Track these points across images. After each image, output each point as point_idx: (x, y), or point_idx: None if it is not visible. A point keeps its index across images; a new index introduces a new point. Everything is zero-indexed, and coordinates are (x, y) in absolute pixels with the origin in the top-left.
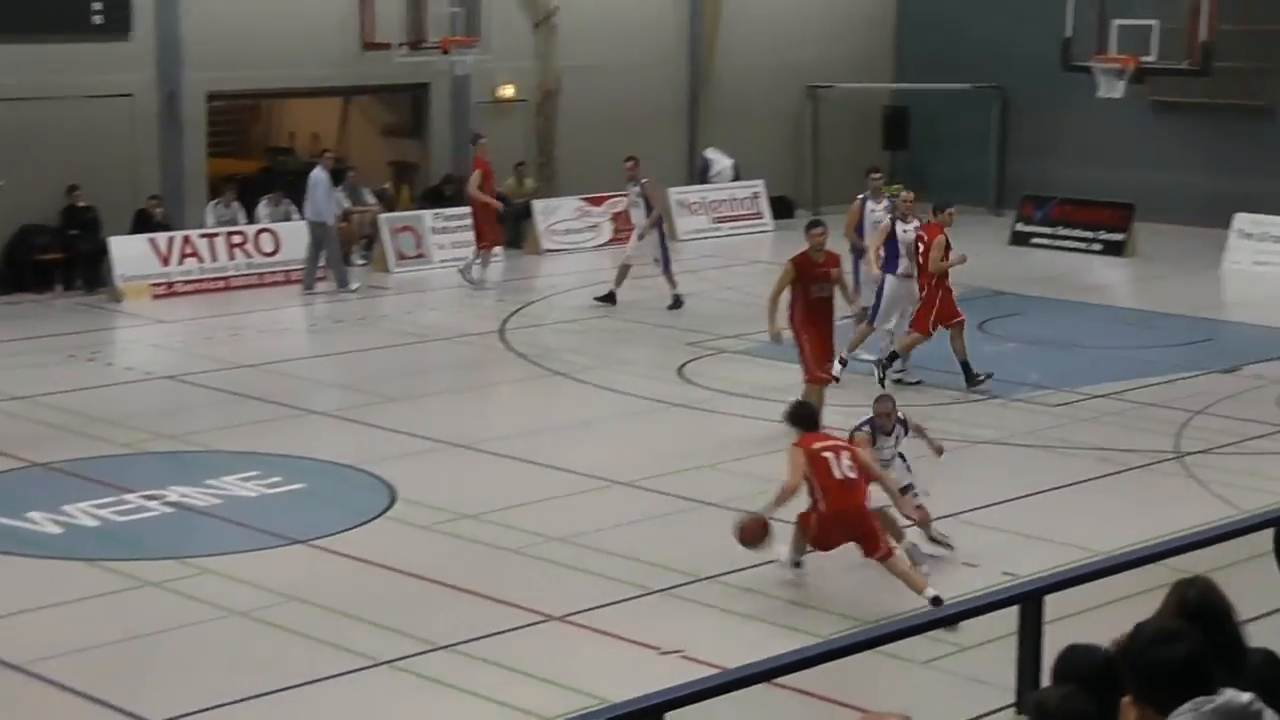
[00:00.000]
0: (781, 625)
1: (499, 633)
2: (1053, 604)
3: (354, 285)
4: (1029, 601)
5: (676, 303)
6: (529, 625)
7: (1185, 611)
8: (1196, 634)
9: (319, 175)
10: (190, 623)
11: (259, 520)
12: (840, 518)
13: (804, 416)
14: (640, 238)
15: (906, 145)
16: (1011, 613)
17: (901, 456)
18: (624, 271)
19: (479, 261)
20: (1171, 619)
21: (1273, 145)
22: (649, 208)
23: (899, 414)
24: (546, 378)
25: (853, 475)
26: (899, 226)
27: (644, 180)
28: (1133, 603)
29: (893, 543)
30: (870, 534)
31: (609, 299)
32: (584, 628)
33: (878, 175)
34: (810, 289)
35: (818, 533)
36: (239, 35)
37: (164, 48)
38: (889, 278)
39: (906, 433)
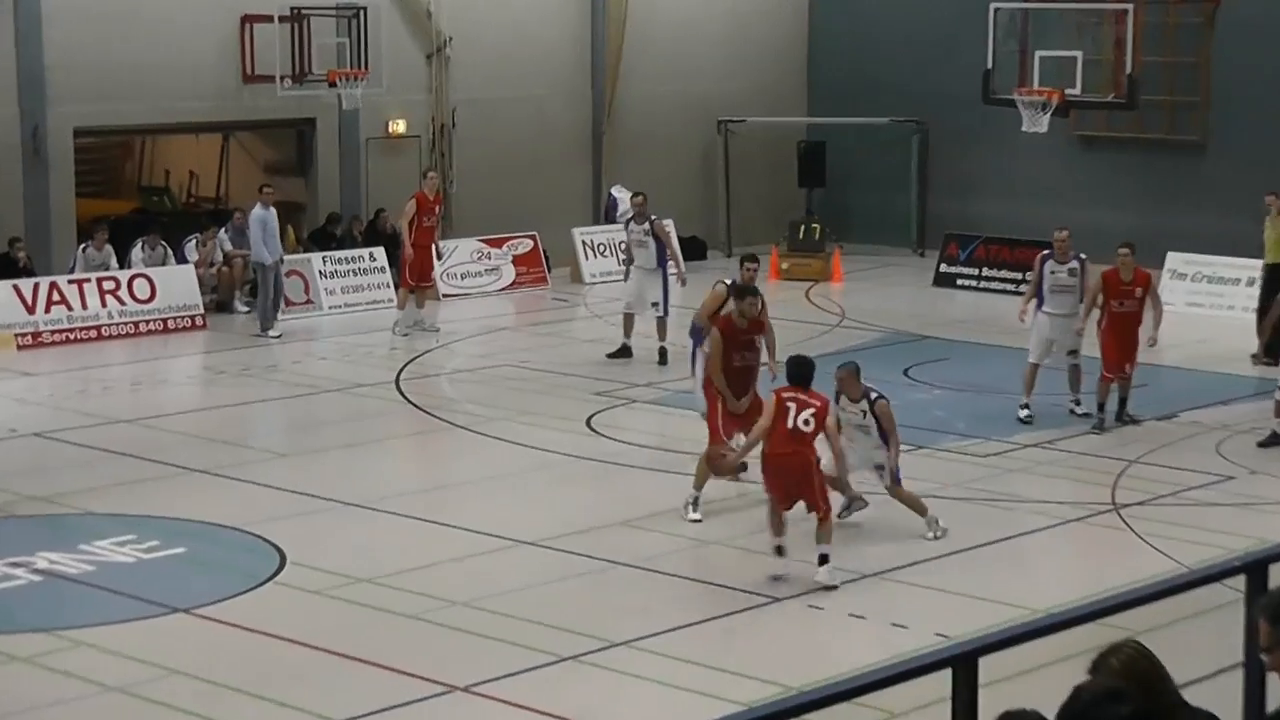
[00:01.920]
0: (698, 692)
1: (399, 705)
2: (987, 666)
3: (275, 332)
4: (963, 664)
5: (663, 357)
6: (431, 696)
7: (1118, 676)
8: (1138, 694)
9: (257, 213)
10: (63, 700)
11: (136, 588)
12: (776, 463)
13: (796, 369)
14: (682, 282)
15: (823, 182)
16: (944, 676)
17: (883, 437)
18: (630, 320)
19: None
20: (1110, 679)
21: (1203, 182)
22: (659, 246)
23: (868, 386)
24: (446, 431)
25: (805, 429)
26: (1049, 266)
27: (653, 217)
28: (1072, 663)
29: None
30: (809, 490)
31: (624, 352)
32: (490, 698)
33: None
34: (733, 357)
35: (763, 473)
36: (108, 66)
37: (26, 79)
38: (1039, 314)
39: (872, 409)
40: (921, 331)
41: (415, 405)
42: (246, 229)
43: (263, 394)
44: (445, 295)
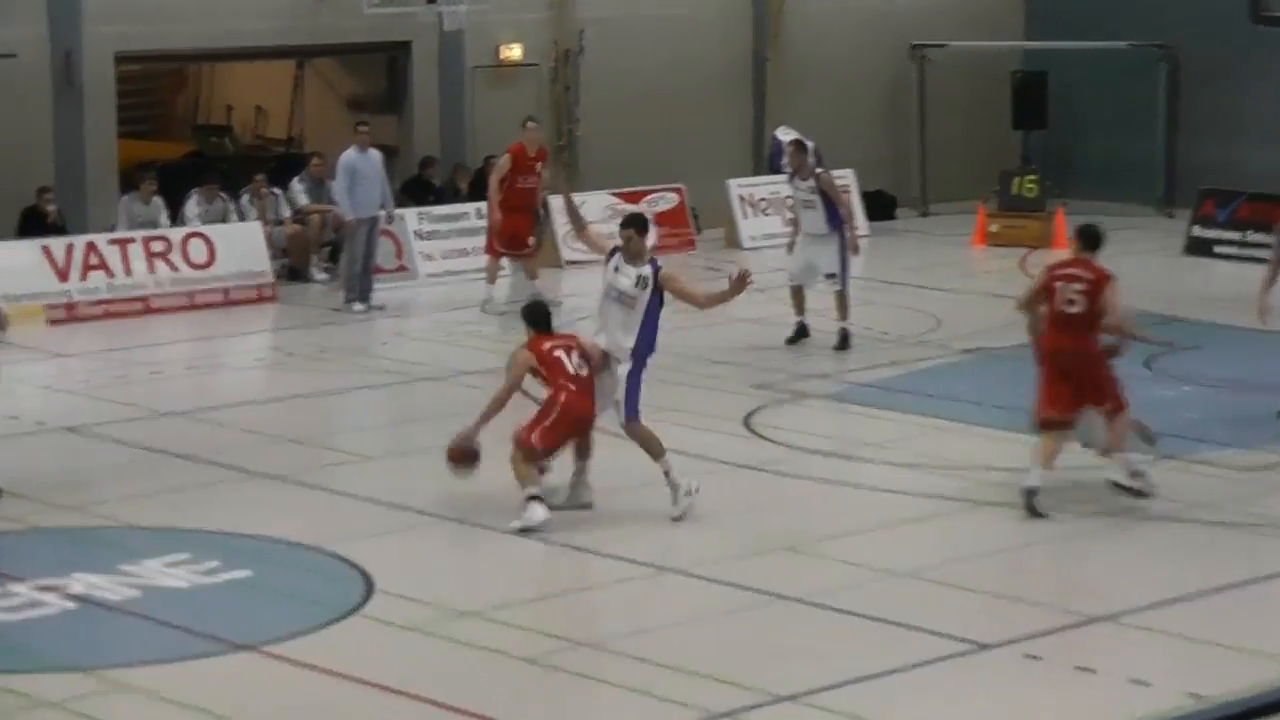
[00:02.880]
0: None
1: None
2: None
3: (360, 306)
4: None
5: (844, 340)
6: None
7: None
8: None
9: (348, 158)
10: None
11: (191, 619)
12: (574, 415)
13: (536, 314)
14: (855, 250)
15: (1044, 123)
16: None
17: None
18: (798, 294)
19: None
20: None
21: None
22: (829, 207)
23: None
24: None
25: (584, 372)
26: None
27: (819, 170)
28: None
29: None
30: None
31: (801, 334)
32: None
33: None
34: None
35: (550, 431)
36: None
37: None
38: None
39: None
40: (1168, 312)
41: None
42: (327, 178)
43: (344, 382)
44: (569, 262)
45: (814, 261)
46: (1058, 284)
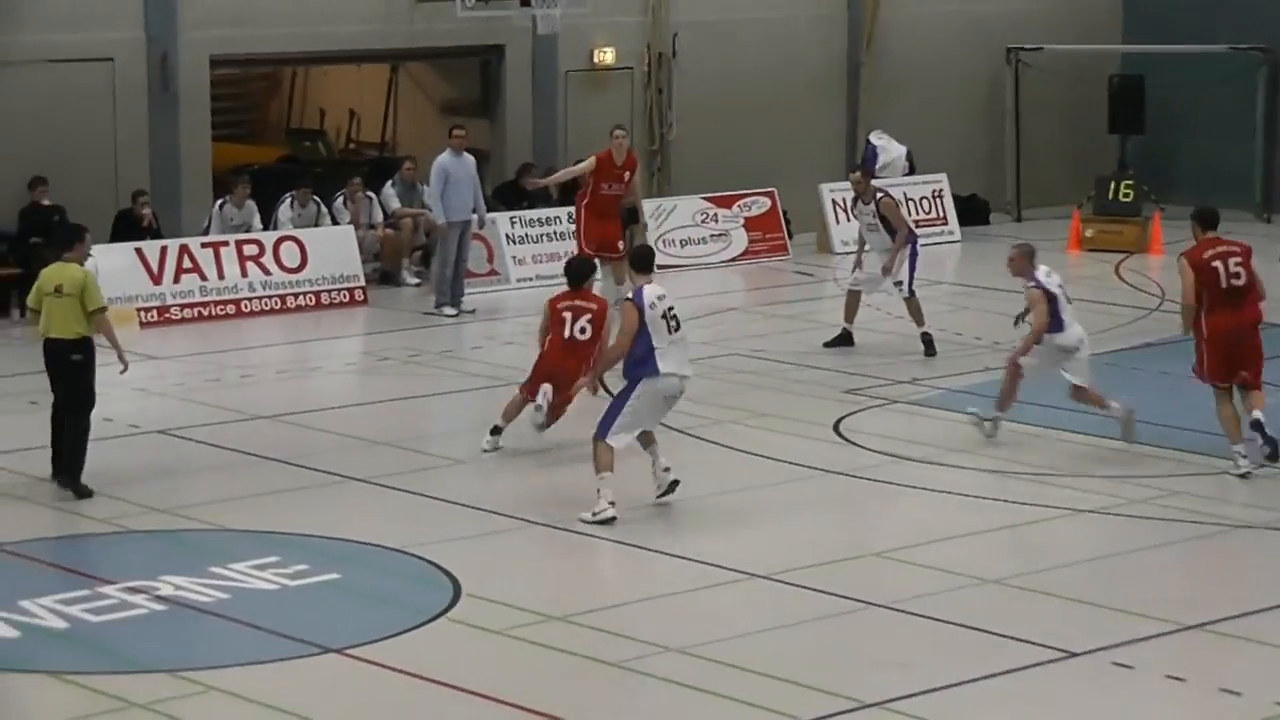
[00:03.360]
0: None
1: None
2: None
3: (452, 310)
4: None
5: (929, 346)
6: None
7: None
8: None
9: (442, 161)
10: None
11: (279, 622)
12: (545, 368)
13: (571, 269)
14: (885, 270)
15: (1142, 127)
16: None
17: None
18: (854, 301)
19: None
20: None
21: None
22: (890, 230)
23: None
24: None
25: (582, 338)
26: None
27: (880, 196)
28: None
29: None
30: (563, 402)
31: (844, 340)
32: None
33: None
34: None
35: (530, 381)
36: None
37: None
38: None
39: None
40: (1270, 319)
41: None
42: (420, 181)
43: (436, 386)
44: (661, 267)
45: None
46: (1215, 264)
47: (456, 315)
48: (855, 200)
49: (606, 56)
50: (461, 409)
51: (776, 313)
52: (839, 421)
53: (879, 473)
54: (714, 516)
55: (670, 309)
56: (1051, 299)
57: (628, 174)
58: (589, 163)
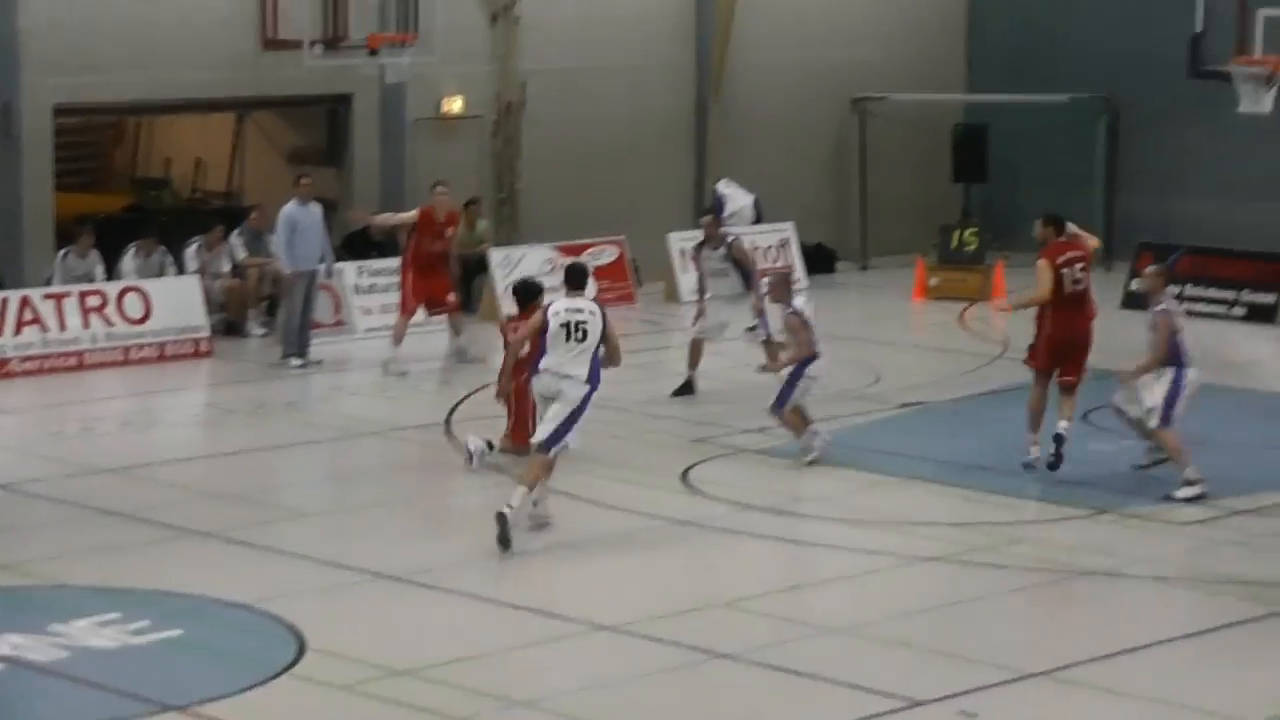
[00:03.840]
0: None
1: None
2: None
3: (299, 361)
4: None
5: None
6: None
7: None
8: None
9: (289, 211)
10: None
11: (120, 679)
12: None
13: (518, 290)
14: (759, 312)
15: (984, 176)
16: None
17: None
18: (697, 349)
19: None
20: None
21: None
22: (744, 273)
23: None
24: (508, 486)
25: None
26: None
27: (730, 239)
28: None
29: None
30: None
31: (687, 388)
32: None
33: None
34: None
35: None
36: (97, 29)
37: None
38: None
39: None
40: (1108, 366)
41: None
42: (267, 231)
43: (281, 438)
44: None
45: (729, 319)
46: (1064, 270)
47: (303, 366)
48: (700, 245)
49: (455, 105)
50: (307, 461)
51: (624, 361)
52: (687, 471)
53: (726, 522)
54: (561, 568)
55: (578, 322)
56: (809, 327)
57: (449, 230)
58: (412, 215)
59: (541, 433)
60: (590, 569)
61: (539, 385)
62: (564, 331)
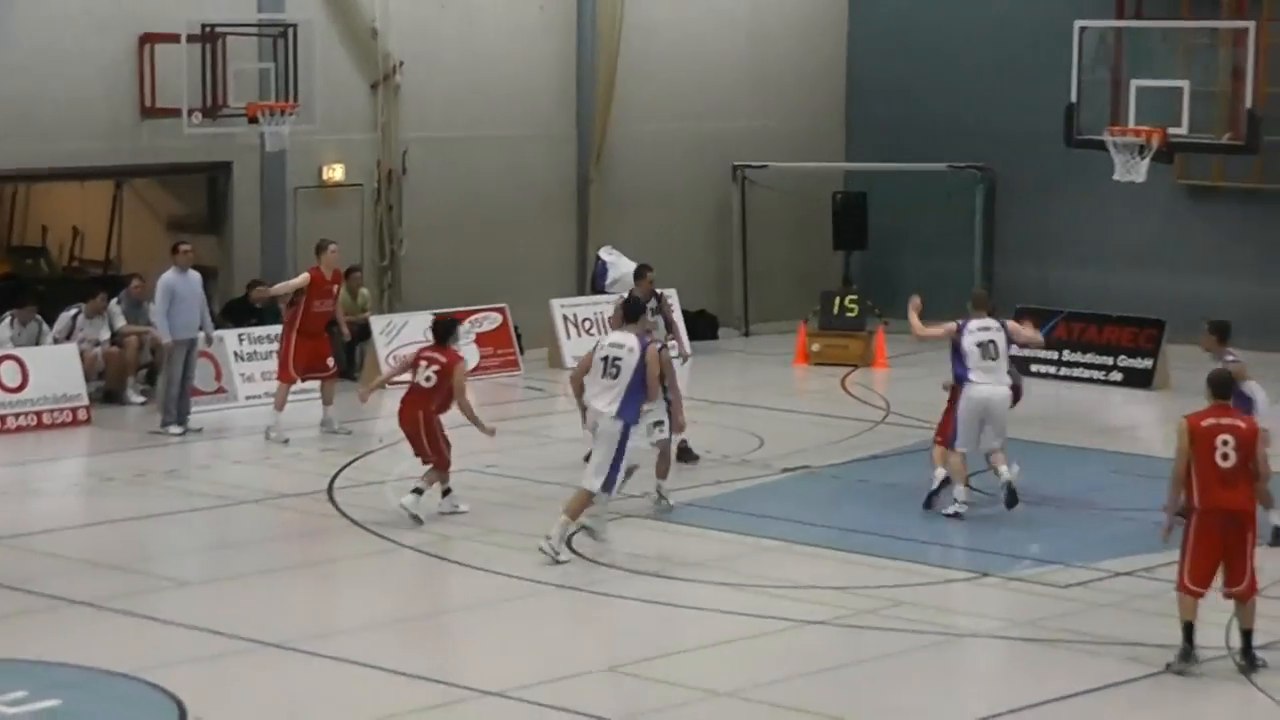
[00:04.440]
0: None
1: None
2: None
3: (179, 429)
4: None
5: (685, 454)
6: None
7: None
8: None
9: (167, 279)
10: None
11: None
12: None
13: (435, 327)
14: (679, 357)
15: (865, 243)
16: None
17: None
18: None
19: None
20: None
21: None
22: (670, 328)
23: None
24: (392, 553)
25: (425, 384)
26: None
27: (662, 294)
28: None
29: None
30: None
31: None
32: None
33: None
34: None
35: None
36: None
37: None
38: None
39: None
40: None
41: (353, 521)
42: (147, 299)
43: (162, 506)
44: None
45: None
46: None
47: (183, 434)
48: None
49: (336, 173)
50: (188, 529)
51: (509, 428)
52: (572, 536)
53: (611, 587)
54: (446, 634)
55: (614, 358)
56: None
57: (336, 288)
58: (304, 278)
59: (594, 482)
60: (474, 634)
61: (589, 417)
62: (602, 365)
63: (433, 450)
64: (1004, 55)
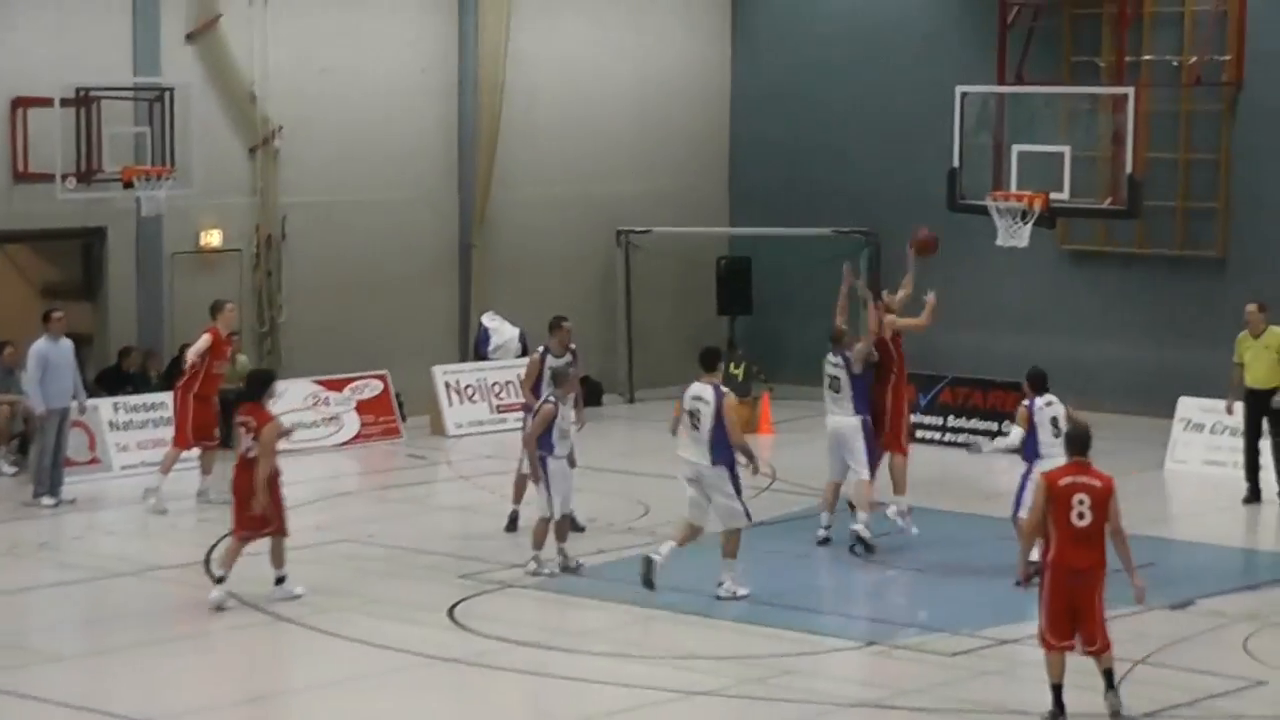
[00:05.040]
0: None
1: None
2: None
3: (52, 500)
4: None
5: (572, 524)
6: None
7: None
8: None
9: (39, 347)
10: None
11: None
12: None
13: (253, 381)
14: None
15: (749, 308)
16: None
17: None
18: (524, 483)
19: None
20: None
21: (1223, 308)
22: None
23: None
24: (270, 625)
25: (248, 454)
26: None
27: (573, 345)
28: None
29: None
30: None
31: (515, 523)
32: None
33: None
34: None
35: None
36: None
37: None
38: None
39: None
40: (872, 497)
41: (231, 593)
42: (19, 367)
43: (34, 579)
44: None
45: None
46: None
47: (55, 505)
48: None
49: (213, 238)
50: (62, 603)
51: (390, 496)
52: (454, 607)
53: (493, 659)
54: (328, 707)
55: (694, 410)
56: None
57: (229, 350)
58: (206, 340)
59: (729, 524)
60: (358, 708)
61: (681, 469)
62: (688, 419)
63: (274, 512)
64: (887, 120)
